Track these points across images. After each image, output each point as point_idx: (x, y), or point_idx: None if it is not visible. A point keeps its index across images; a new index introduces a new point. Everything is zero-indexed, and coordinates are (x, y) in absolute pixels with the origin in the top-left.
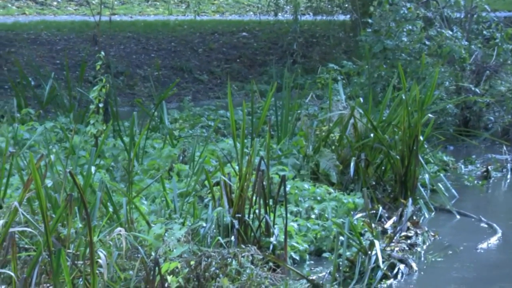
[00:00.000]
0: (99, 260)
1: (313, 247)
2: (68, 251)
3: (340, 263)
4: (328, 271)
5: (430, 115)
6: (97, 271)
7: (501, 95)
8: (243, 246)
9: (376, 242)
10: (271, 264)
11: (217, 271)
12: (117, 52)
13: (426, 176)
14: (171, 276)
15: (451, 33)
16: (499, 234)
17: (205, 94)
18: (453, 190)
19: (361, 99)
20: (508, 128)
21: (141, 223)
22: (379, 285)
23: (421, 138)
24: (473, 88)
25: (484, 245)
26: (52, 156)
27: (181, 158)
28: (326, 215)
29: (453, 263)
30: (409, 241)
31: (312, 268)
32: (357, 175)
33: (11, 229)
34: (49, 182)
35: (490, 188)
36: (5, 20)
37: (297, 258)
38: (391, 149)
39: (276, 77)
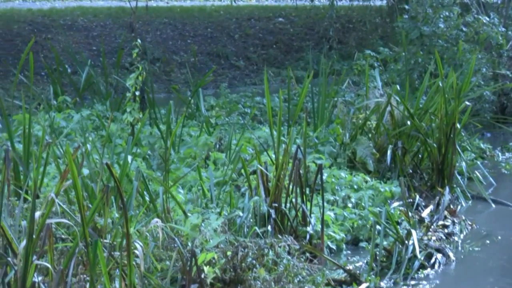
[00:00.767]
0: (136, 251)
1: (350, 237)
2: (105, 241)
3: (377, 252)
4: (365, 261)
5: (467, 102)
6: (134, 262)
7: None
8: (280, 236)
9: (413, 232)
10: (307, 254)
11: (254, 261)
12: (153, 38)
13: (463, 164)
14: (208, 266)
15: (488, 19)
16: None
17: (241, 80)
18: (491, 178)
19: (398, 86)
20: None
21: (177, 212)
22: (416, 275)
23: (458, 125)
24: (510, 75)
25: None
26: (88, 145)
27: (217, 146)
28: (363, 204)
29: (491, 253)
30: (446, 230)
31: (349, 258)
32: (394, 163)
33: (48, 221)
34: (85, 171)
35: None
36: (42, 6)
37: (334, 247)
38: (428, 137)
39: (313, 63)
